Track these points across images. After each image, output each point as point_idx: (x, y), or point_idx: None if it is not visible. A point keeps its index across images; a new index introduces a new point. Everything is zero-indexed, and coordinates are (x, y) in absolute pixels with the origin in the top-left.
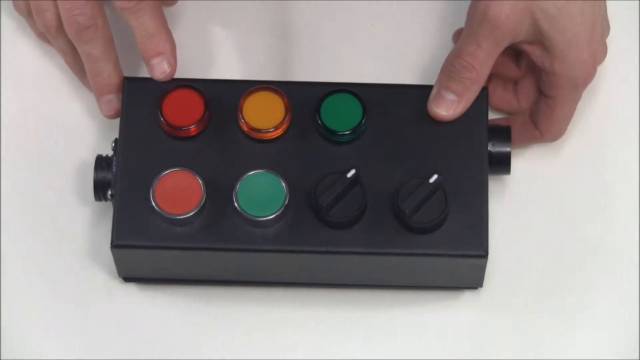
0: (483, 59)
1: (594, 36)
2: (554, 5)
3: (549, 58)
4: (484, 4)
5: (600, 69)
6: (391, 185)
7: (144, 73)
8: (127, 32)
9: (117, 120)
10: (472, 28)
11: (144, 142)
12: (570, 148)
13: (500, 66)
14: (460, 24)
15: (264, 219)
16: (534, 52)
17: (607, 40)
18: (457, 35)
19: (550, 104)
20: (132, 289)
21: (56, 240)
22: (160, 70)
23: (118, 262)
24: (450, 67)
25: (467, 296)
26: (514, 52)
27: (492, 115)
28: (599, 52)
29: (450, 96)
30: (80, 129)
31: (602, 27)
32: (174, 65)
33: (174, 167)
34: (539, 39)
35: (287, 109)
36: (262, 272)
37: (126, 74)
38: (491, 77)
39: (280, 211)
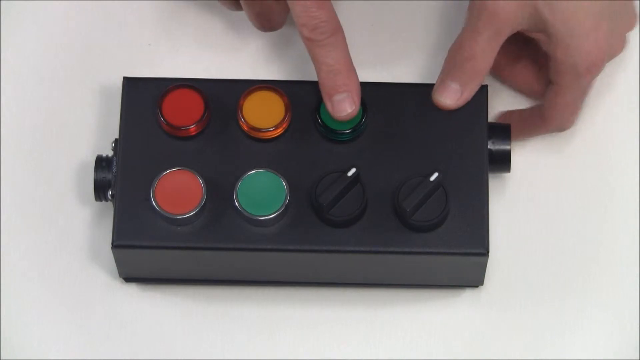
0: (484, 49)
1: (601, 26)
2: None
3: (552, 45)
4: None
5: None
6: (391, 184)
7: (144, 73)
8: (127, 28)
9: (117, 120)
10: (472, 19)
11: (144, 142)
12: (571, 146)
13: (525, 48)
14: (460, 23)
15: (265, 218)
16: (540, 38)
17: None
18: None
19: (555, 90)
20: (132, 289)
21: (56, 240)
22: (341, 108)
23: (119, 262)
24: (453, 58)
25: (468, 294)
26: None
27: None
28: (611, 45)
29: (454, 85)
30: (80, 129)
31: (615, 19)
32: (357, 104)
33: (174, 167)
34: (542, 27)
35: (287, 108)
36: (263, 272)
37: (126, 74)
38: (518, 57)
39: (280, 210)
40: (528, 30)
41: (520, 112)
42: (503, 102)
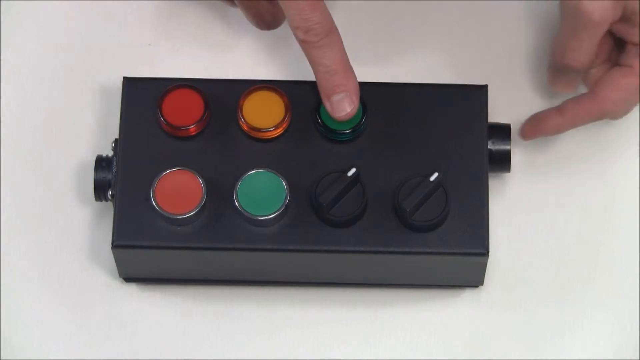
0: (585, 49)
1: None
2: None
3: (635, 32)
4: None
5: None
6: (391, 184)
7: (144, 73)
8: (127, 28)
9: (117, 121)
10: (569, 20)
11: (144, 142)
12: (570, 145)
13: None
14: (460, 23)
15: (265, 218)
16: (622, 29)
17: None
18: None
19: (624, 72)
20: (132, 289)
21: (56, 240)
22: (340, 108)
23: (119, 262)
24: (556, 56)
25: (468, 294)
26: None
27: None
28: None
29: (563, 78)
30: (80, 129)
31: None
32: (356, 104)
33: (174, 167)
34: (628, 17)
35: (287, 108)
36: (263, 272)
37: (126, 74)
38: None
39: (280, 210)
40: (613, 23)
41: (571, 100)
42: (503, 102)
